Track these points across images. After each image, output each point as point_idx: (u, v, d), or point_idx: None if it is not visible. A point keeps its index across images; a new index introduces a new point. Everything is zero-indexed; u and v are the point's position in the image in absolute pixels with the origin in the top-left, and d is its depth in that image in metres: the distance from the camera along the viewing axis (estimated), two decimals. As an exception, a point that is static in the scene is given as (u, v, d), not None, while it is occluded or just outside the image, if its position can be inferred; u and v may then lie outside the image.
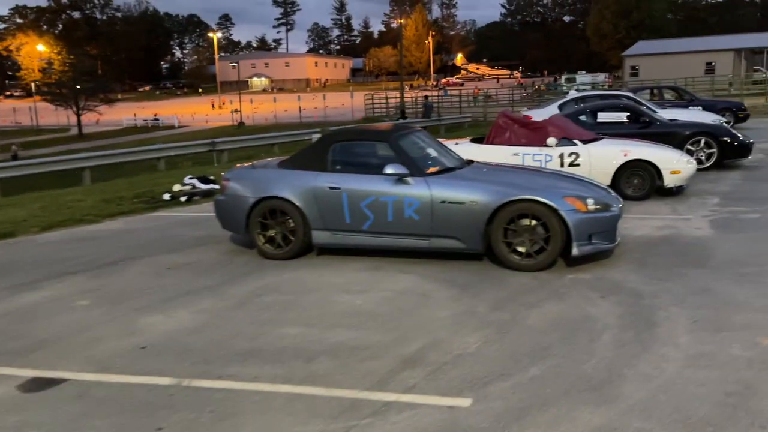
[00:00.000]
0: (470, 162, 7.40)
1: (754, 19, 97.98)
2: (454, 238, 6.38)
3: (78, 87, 57.50)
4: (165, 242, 8.02)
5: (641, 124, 12.23)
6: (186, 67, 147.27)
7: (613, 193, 6.75)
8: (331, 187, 6.68)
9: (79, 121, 56.80)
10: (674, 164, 9.45)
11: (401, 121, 26.30)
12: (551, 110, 15.75)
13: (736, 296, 5.28)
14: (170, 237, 8.31)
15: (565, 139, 9.78)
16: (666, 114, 14.40)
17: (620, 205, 6.53)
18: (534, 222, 6.13)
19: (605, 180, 9.54)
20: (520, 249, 6.22)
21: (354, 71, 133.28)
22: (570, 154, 9.67)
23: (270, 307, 5.44)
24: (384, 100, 42.40)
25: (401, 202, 6.46)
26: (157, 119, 60.35)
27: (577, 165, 9.62)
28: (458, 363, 4.19)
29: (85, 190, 12.56)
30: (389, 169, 6.37)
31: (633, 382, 3.83)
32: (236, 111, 55.04)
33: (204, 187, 12.04)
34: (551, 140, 9.69)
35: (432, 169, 6.67)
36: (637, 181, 9.55)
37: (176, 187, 11.93)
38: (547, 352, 4.30)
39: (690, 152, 11.95)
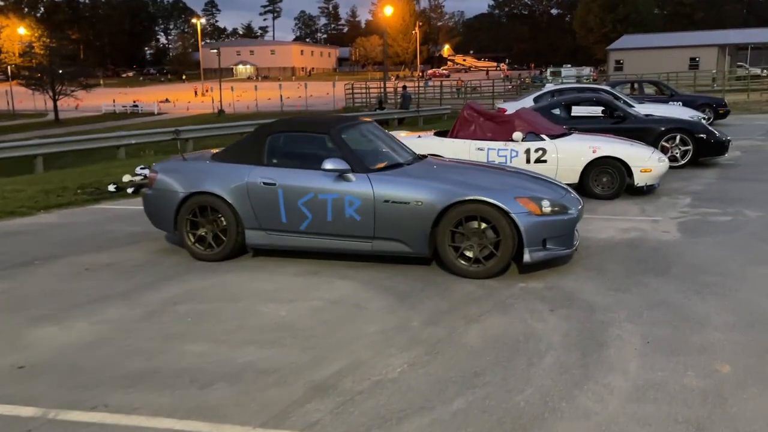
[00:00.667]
0: (423, 157, 6.86)
1: (740, 16, 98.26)
2: (398, 241, 5.84)
3: (58, 72, 56.23)
4: (95, 239, 7.41)
5: (616, 119, 11.74)
6: (171, 54, 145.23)
7: (574, 194, 6.24)
8: (265, 183, 6.11)
9: (55, 106, 55.55)
10: (645, 162, 8.96)
11: (378, 111, 25.64)
12: (526, 103, 15.26)
13: (696, 310, 4.78)
14: (103, 233, 7.70)
15: (532, 134, 9.26)
16: (644, 109, 13.95)
17: (579, 207, 6.02)
18: (483, 225, 5.61)
19: (573, 177, 9.05)
20: (469, 254, 5.69)
21: (341, 60, 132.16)
22: (536, 150, 9.15)
23: (182, 318, 4.87)
24: (365, 90, 41.72)
25: (341, 201, 5.90)
26: (136, 106, 59.20)
27: (544, 161, 9.10)
28: (375, 392, 3.65)
29: (30, 180, 11.88)
30: (328, 164, 5.80)
31: (568, 420, 3.31)
32: (205, 93, 53.99)
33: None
34: (517, 135, 9.17)
35: (378, 165, 6.12)
36: (606, 179, 9.06)
37: (126, 178, 11.27)
38: (479, 380, 3.77)
39: (665, 149, 11.49)
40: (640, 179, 8.97)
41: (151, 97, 67.67)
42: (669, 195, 9.29)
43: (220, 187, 6.24)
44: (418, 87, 45.97)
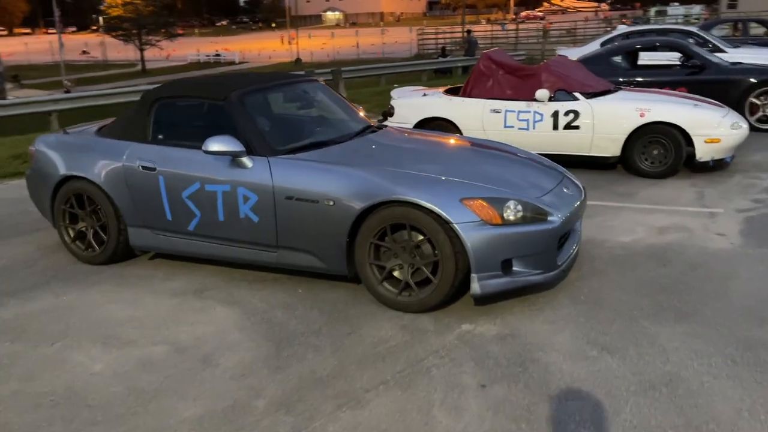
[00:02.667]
0: (378, 129, 5.10)
1: None
2: (309, 253, 4.19)
3: (143, 23, 56.96)
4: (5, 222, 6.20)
5: (692, 68, 9.29)
6: (263, 1, 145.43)
7: (570, 191, 4.33)
8: (144, 167, 4.58)
9: (142, 56, 56.41)
10: (712, 129, 6.72)
11: (441, 59, 23.38)
12: (591, 49, 12.81)
13: (718, 409, 2.88)
14: (10, 216, 6.47)
15: (563, 92, 7.18)
16: (735, 55, 11.25)
17: (572, 210, 4.11)
18: (419, 237, 3.85)
19: (613, 149, 6.97)
20: (398, 275, 3.97)
21: (431, 4, 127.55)
22: (567, 113, 7.09)
23: (-41, 368, 3.48)
24: (440, 35, 39.15)
25: (234, 195, 4.29)
26: (218, 55, 59.14)
27: (576, 128, 7.05)
28: None
29: (13, 142, 10.92)
30: (213, 145, 4.15)
31: None
32: (291, 41, 52.96)
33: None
34: (542, 93, 7.13)
35: (290, 145, 4.42)
36: (657, 152, 6.90)
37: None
38: None
39: (755, 107, 9.01)
40: (703, 152, 6.75)
41: (238, 46, 67.42)
42: (745, 173, 7.01)
43: (95, 171, 4.78)
44: (494, 31, 42.74)
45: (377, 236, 3.91)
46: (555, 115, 7.11)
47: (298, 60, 48.74)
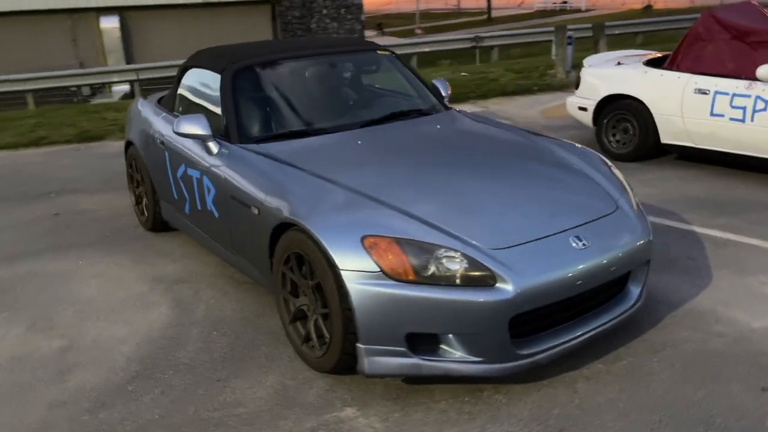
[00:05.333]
0: (443, 109, 4.09)
1: None
2: (252, 263, 3.48)
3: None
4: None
5: None
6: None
7: (596, 240, 2.78)
8: (160, 141, 4.32)
9: (488, 4, 57.15)
10: None
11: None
12: None
13: None
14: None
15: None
16: None
17: (567, 274, 2.62)
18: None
19: None
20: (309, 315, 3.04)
21: None
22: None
23: None
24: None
25: (201, 184, 3.77)
26: (565, 2, 56.76)
27: (811, 125, 4.69)
28: None
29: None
30: (181, 125, 3.61)
31: None
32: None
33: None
34: (764, 70, 4.90)
35: (266, 134, 3.65)
36: None
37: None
38: None
39: None
40: None
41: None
42: None
43: (136, 140, 4.71)
44: None
45: (287, 264, 3.02)
46: (783, 103, 4.83)
47: (647, 6, 43.98)
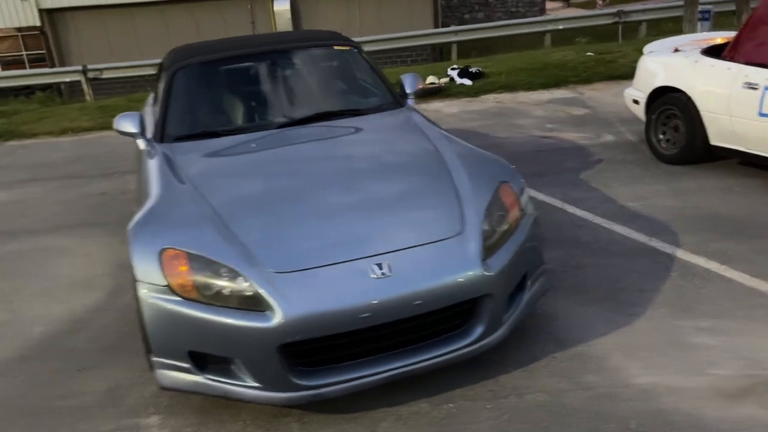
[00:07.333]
0: (397, 106, 3.96)
1: None
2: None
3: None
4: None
5: None
6: None
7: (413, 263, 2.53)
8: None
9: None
10: None
11: None
12: None
13: None
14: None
15: None
16: None
17: (352, 305, 2.42)
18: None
19: None
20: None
21: None
22: None
23: None
24: None
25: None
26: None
27: None
28: None
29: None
30: (117, 122, 3.82)
31: None
32: None
33: (458, 80, 9.79)
34: (812, 63, 4.00)
35: (185, 133, 3.72)
36: None
37: (430, 79, 10.06)
38: None
39: None
40: None
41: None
42: None
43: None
44: None
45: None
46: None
47: None
